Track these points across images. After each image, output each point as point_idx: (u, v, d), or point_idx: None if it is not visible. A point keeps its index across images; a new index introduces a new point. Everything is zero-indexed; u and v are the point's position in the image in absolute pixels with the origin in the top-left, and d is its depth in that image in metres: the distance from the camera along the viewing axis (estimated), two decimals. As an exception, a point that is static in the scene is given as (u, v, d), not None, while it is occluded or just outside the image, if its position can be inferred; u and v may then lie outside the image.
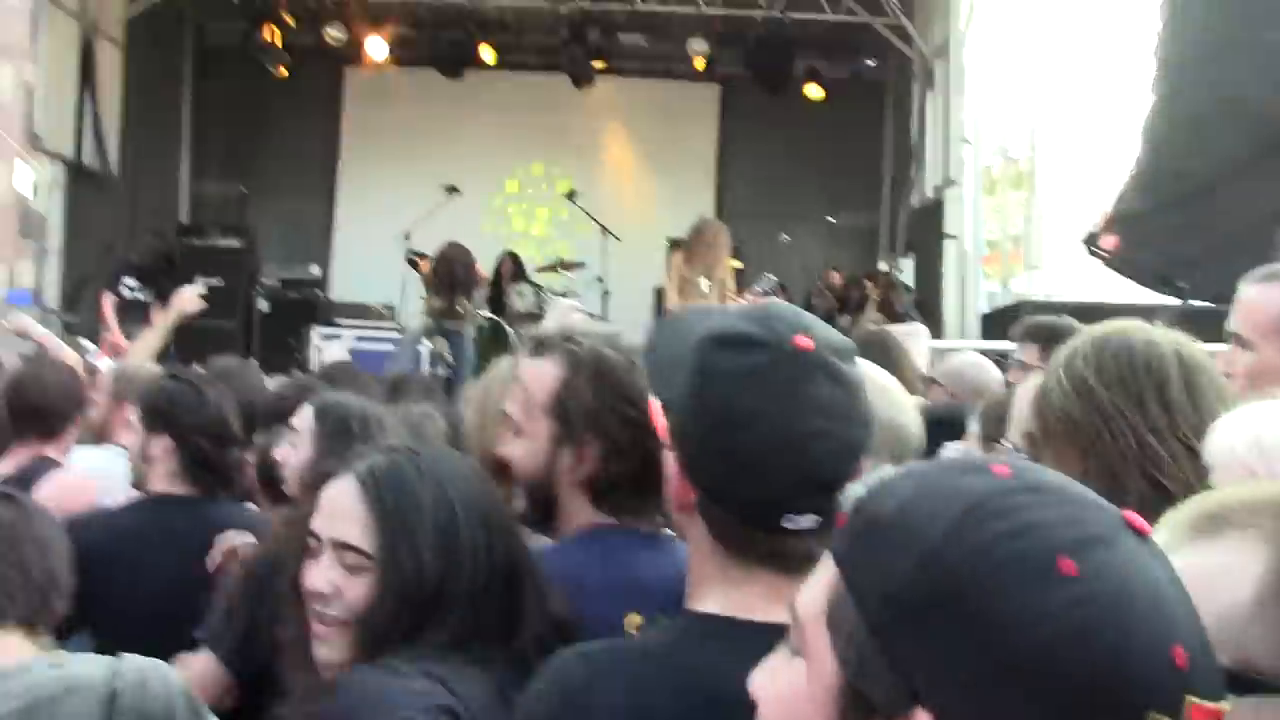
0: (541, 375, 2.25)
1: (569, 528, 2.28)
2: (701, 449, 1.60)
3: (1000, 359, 5.70)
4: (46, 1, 13.15)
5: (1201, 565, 1.14)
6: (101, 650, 1.52)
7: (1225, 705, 0.94)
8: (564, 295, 13.66)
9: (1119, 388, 2.06)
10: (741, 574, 1.61)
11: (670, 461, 1.65)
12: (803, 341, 1.58)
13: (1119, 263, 10.26)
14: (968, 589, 0.93)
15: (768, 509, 1.57)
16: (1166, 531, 1.22)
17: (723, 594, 1.62)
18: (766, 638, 1.13)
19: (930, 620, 0.94)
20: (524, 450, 2.27)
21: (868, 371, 2.49)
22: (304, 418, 3.26)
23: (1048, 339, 4.26)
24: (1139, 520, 0.99)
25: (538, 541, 2.30)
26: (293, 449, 3.26)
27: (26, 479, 4.05)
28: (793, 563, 1.53)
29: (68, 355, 6.32)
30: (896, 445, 2.36)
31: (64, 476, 4.20)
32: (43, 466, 4.25)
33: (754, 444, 1.55)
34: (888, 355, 4.73)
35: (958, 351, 6.81)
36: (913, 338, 6.69)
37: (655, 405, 1.70)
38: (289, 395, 4.03)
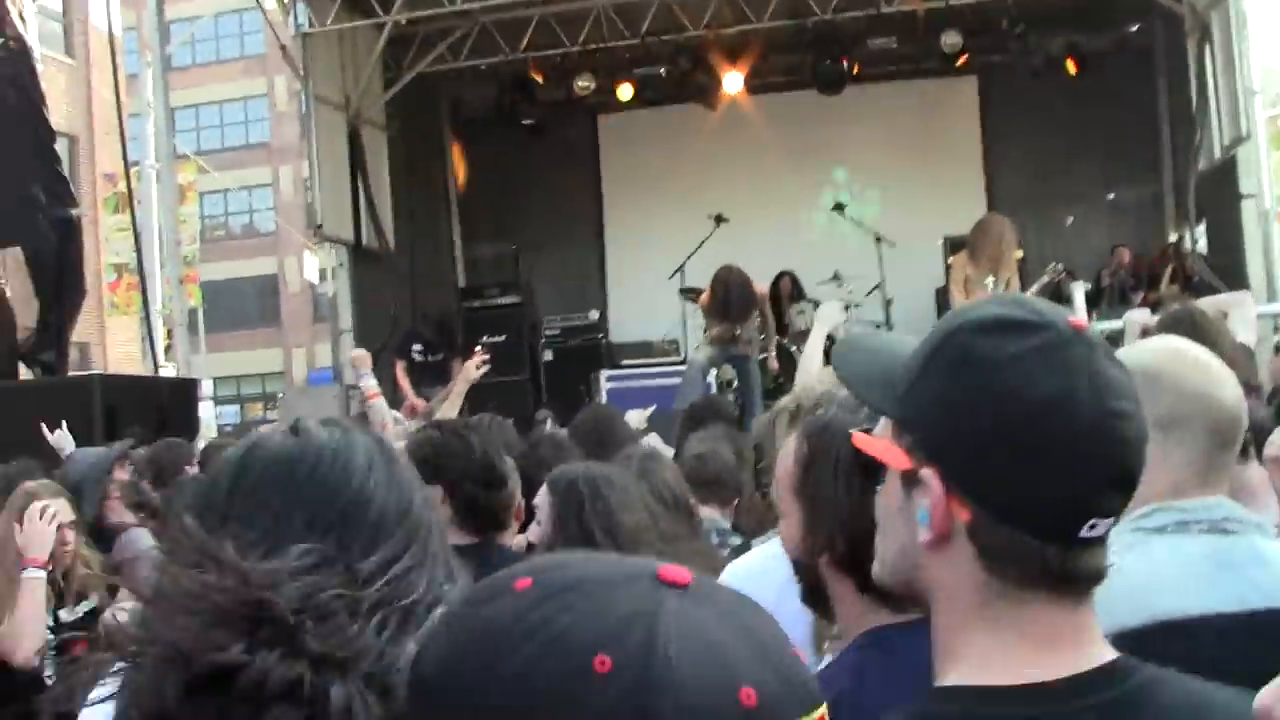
0: (786, 456, 2.14)
1: (845, 623, 2.11)
2: (982, 452, 1.36)
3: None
4: (314, 100, 13.67)
5: None
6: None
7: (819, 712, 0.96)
8: (846, 307, 13.49)
9: None
10: (1016, 614, 1.38)
11: (917, 489, 1.41)
12: (1077, 321, 1.40)
13: None
14: None
15: (1072, 513, 1.36)
16: None
17: (998, 650, 1.39)
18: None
19: None
20: (785, 531, 2.16)
21: (1183, 346, 2.32)
22: (541, 493, 3.41)
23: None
24: (673, 573, 0.99)
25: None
26: (537, 526, 3.40)
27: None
28: (1083, 586, 1.39)
29: (388, 419, 6.56)
30: (1218, 421, 2.18)
31: None
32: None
33: (1059, 432, 1.34)
34: (1198, 332, 4.43)
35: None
36: (1238, 307, 6.19)
37: (880, 432, 1.51)
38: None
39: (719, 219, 13.16)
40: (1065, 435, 1.34)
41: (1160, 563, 2.06)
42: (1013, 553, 1.36)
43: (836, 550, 2.00)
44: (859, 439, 1.54)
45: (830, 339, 4.87)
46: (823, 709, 0.98)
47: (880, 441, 1.49)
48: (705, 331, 11.76)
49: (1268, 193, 12.44)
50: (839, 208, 13.82)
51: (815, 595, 2.11)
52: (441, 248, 16.91)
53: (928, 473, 1.39)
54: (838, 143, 16.02)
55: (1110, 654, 1.40)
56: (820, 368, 6.25)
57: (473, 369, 6.75)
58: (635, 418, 6.50)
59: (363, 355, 7.10)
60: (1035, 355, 1.36)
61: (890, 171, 15.93)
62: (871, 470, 1.61)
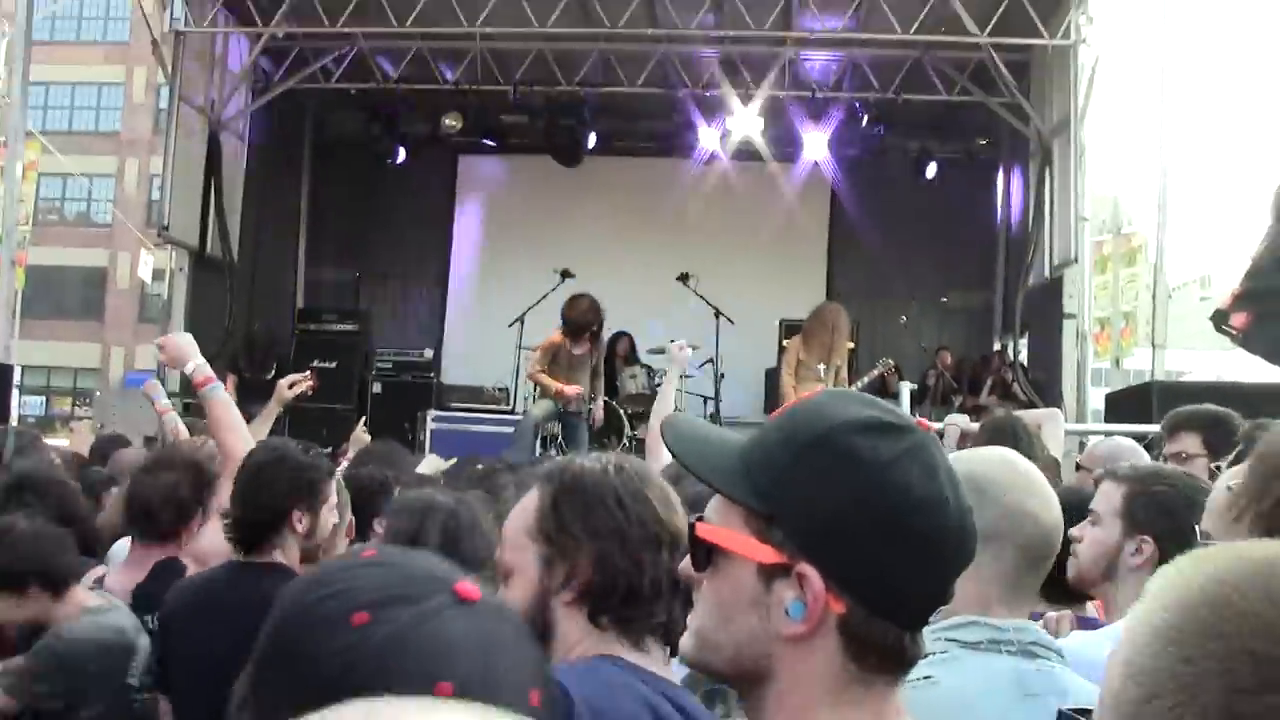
0: (523, 509, 2.28)
1: (573, 655, 2.18)
2: (864, 549, 1.41)
3: (1139, 439, 5.59)
4: (177, 100, 13.46)
5: None
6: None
7: None
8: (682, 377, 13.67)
9: None
10: (864, 696, 1.45)
11: (781, 581, 1.44)
12: (925, 423, 1.52)
13: (1249, 340, 9.97)
14: (274, 652, 1.24)
15: (931, 604, 1.49)
16: None
17: None
18: None
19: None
20: (513, 589, 2.23)
21: (1014, 460, 2.43)
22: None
23: (1210, 427, 4.16)
24: (467, 589, 1.23)
25: None
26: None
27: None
28: (910, 665, 1.48)
29: (182, 430, 6.58)
30: (1033, 540, 2.28)
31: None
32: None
33: (934, 530, 1.42)
34: (1017, 441, 4.67)
35: (1106, 437, 6.68)
36: (1050, 421, 6.52)
37: (720, 522, 1.52)
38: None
39: (565, 273, 13.24)
40: (938, 532, 1.43)
41: (972, 681, 2.12)
42: (878, 642, 1.42)
43: (578, 582, 2.14)
44: (703, 530, 1.52)
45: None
46: None
47: (733, 534, 1.48)
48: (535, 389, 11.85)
49: (1087, 315, 13.04)
50: (684, 278, 14.03)
51: (541, 638, 2.10)
52: (284, 266, 16.68)
53: (808, 569, 1.42)
54: (691, 214, 16.26)
55: None
56: (671, 408, 6.43)
57: (285, 389, 6.71)
58: (431, 464, 6.49)
59: (154, 385, 7.14)
60: (909, 457, 1.43)
61: (738, 249, 16.20)
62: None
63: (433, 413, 13.37)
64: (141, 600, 4.10)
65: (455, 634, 1.18)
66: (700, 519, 1.54)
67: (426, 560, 1.31)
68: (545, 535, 2.18)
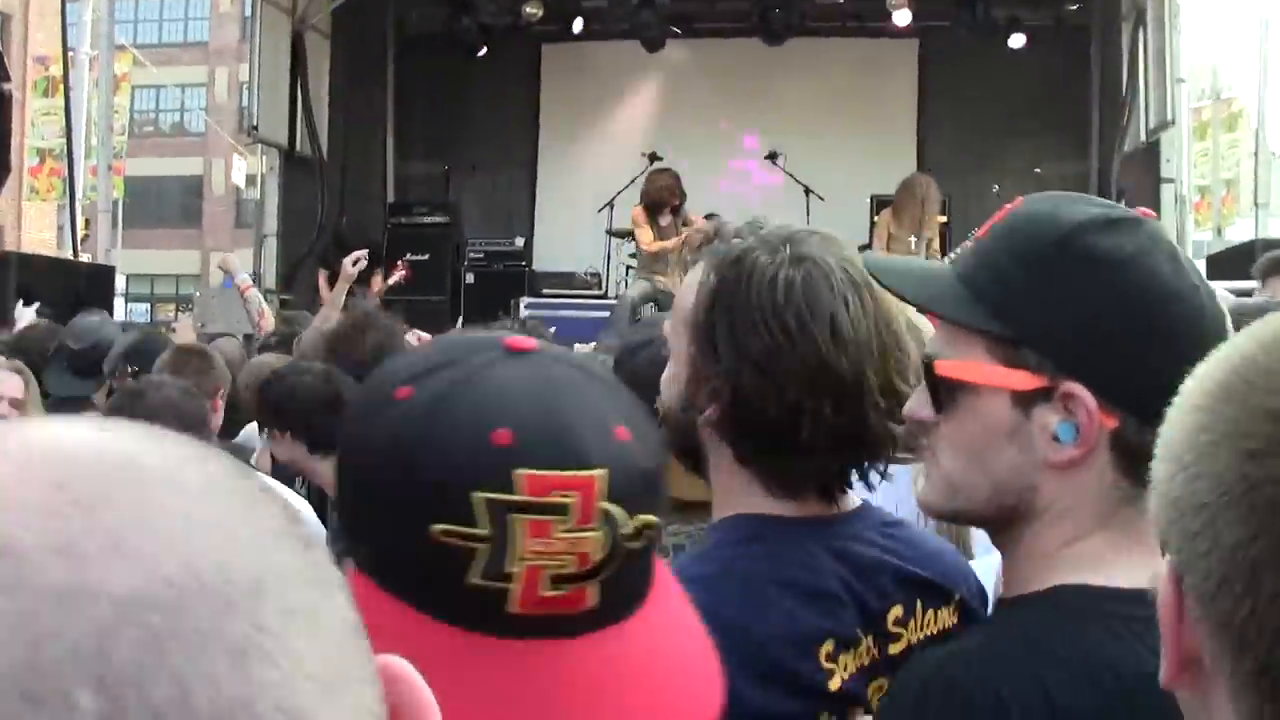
0: (688, 288, 1.78)
1: (716, 498, 1.82)
2: (1130, 354, 1.32)
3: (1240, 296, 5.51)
4: (260, 1, 13.52)
5: None
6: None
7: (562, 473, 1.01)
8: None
9: None
10: (1133, 519, 1.32)
11: (1044, 406, 1.34)
12: (1148, 211, 1.44)
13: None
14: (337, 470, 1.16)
15: None
16: None
17: (1119, 555, 1.35)
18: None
19: None
20: (669, 372, 1.84)
21: None
22: None
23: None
24: (519, 342, 1.10)
25: None
26: None
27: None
28: None
29: (266, 310, 6.78)
30: None
31: None
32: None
33: (1190, 323, 1.32)
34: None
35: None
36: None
37: (957, 353, 1.40)
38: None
39: (653, 156, 13.20)
40: (1196, 320, 1.33)
41: None
42: (1149, 453, 1.36)
43: (721, 403, 1.67)
44: (945, 367, 1.40)
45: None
46: (592, 472, 1.02)
47: (980, 365, 1.38)
48: (637, 265, 11.86)
49: (1187, 181, 12.76)
50: (772, 156, 13.91)
51: (688, 456, 1.80)
52: (373, 162, 16.79)
53: (1075, 386, 1.33)
54: (776, 92, 16.06)
55: None
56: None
57: (349, 266, 6.84)
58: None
59: (230, 258, 7.41)
60: (1151, 247, 1.35)
61: (825, 126, 16.01)
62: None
63: (526, 299, 13.46)
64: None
65: (509, 380, 1.06)
66: (932, 358, 1.42)
67: (475, 334, 1.21)
68: (695, 334, 1.72)
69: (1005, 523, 1.42)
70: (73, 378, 5.26)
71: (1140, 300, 1.33)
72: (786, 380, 1.61)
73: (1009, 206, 1.47)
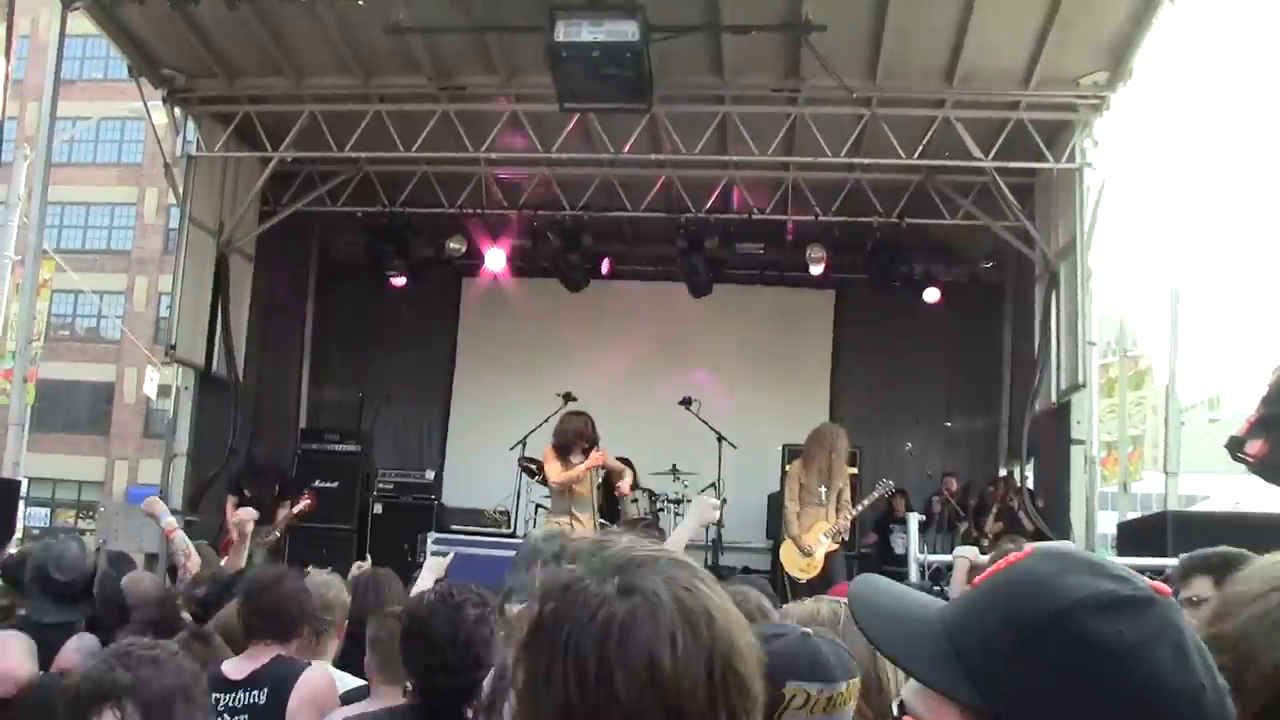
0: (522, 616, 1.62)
1: None
2: None
3: (1152, 577, 5.46)
4: (188, 221, 13.56)
5: None
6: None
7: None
8: (678, 502, 13.59)
9: None
10: None
11: None
12: (1162, 588, 1.30)
13: (1267, 469, 9.85)
14: None
15: None
16: None
17: None
18: None
19: None
20: None
21: None
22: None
23: (1221, 569, 4.04)
24: None
25: None
26: None
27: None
28: None
29: (191, 551, 6.60)
30: None
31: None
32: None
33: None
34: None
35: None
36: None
37: (924, 711, 1.35)
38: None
39: (568, 397, 13.19)
40: None
41: None
42: None
43: None
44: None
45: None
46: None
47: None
48: (550, 507, 11.69)
49: (1095, 441, 12.92)
50: (686, 403, 13.96)
51: None
52: (288, 385, 16.68)
53: None
54: (695, 338, 16.26)
55: None
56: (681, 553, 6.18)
57: (239, 518, 6.77)
58: (434, 566, 6.28)
59: (155, 501, 7.26)
60: (1158, 639, 1.24)
61: (742, 374, 16.17)
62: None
63: (433, 534, 13.22)
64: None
65: None
66: (905, 709, 1.37)
67: None
68: (521, 665, 1.54)
69: None
70: (55, 604, 5.42)
71: (1133, 700, 1.21)
72: None
73: (1013, 557, 1.36)
